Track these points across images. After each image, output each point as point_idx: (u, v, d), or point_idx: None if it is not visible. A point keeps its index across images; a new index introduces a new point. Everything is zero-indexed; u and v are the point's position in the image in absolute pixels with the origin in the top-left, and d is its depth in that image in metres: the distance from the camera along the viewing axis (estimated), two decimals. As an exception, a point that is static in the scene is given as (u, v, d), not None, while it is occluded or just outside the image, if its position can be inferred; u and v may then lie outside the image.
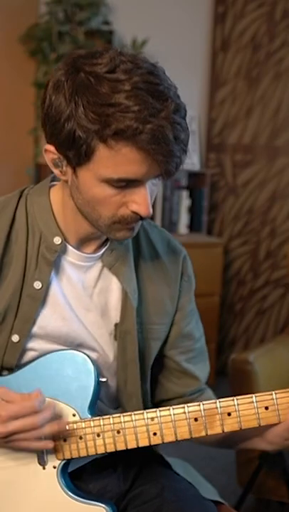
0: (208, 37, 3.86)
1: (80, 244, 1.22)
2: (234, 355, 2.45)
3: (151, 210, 1.10)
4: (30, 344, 1.21)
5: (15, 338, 1.19)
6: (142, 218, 1.11)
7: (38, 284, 1.18)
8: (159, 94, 1.03)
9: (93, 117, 1.02)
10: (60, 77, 1.07)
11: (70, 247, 1.21)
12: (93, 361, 1.20)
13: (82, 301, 1.23)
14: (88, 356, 1.20)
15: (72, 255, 1.21)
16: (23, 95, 3.53)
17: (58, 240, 1.19)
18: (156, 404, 1.34)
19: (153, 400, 1.34)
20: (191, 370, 1.32)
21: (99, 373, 1.20)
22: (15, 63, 3.50)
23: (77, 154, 1.06)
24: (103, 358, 1.25)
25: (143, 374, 1.26)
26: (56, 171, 1.14)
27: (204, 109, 3.89)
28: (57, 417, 1.15)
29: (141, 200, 1.09)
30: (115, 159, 1.04)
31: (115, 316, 1.24)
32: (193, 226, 3.75)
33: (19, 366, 1.21)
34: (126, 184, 1.07)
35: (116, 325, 1.24)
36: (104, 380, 1.22)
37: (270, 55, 3.78)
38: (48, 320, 1.20)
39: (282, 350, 2.60)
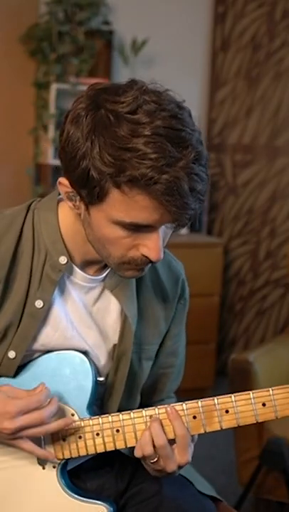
0: (208, 37, 3.86)
1: (85, 265, 1.21)
2: (234, 355, 2.45)
3: (162, 255, 1.07)
4: (29, 355, 1.21)
5: (11, 354, 1.18)
6: (151, 262, 1.09)
7: (39, 303, 1.17)
8: (179, 140, 0.99)
9: (109, 160, 0.99)
10: (80, 112, 1.03)
11: (75, 268, 1.20)
12: (90, 361, 1.20)
13: (83, 319, 1.22)
14: (86, 356, 1.20)
15: (76, 275, 1.20)
16: (23, 95, 3.53)
17: (63, 260, 1.17)
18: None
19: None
20: (162, 385, 1.35)
21: (97, 373, 1.21)
22: (15, 63, 3.50)
23: (90, 194, 1.04)
24: (100, 372, 1.26)
25: (129, 395, 1.27)
26: (70, 204, 1.11)
27: (204, 109, 3.89)
28: (60, 413, 1.16)
29: (152, 245, 1.06)
30: (128, 204, 1.02)
31: (113, 336, 1.24)
32: (193, 226, 3.75)
33: (17, 367, 1.21)
34: (138, 228, 1.05)
35: (114, 346, 1.24)
36: (102, 379, 1.22)
37: (270, 55, 3.78)
38: (49, 338, 1.20)
39: (282, 350, 2.60)
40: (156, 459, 1.13)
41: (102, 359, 1.24)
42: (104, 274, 1.22)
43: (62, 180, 1.09)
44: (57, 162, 3.46)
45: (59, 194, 1.21)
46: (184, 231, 3.70)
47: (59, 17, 3.41)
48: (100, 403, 1.26)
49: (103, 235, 1.08)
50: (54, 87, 3.41)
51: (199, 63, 3.87)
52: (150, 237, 1.06)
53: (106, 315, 1.24)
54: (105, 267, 1.22)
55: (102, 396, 1.26)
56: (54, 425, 1.11)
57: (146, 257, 1.07)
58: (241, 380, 2.32)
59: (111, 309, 1.24)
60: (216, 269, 3.57)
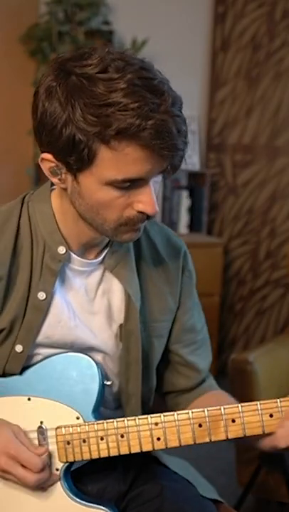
0: (208, 37, 3.86)
1: (83, 250, 1.21)
2: (234, 355, 2.45)
3: (157, 208, 1.09)
4: (36, 351, 1.21)
5: (18, 348, 1.18)
6: (148, 218, 1.10)
7: (42, 295, 1.17)
8: (155, 88, 1.02)
9: (92, 119, 1.00)
10: (50, 83, 1.05)
11: (73, 255, 1.20)
12: (98, 364, 1.19)
13: (86, 306, 1.22)
14: (93, 359, 1.19)
15: (75, 262, 1.21)
16: (23, 95, 3.52)
17: (62, 250, 1.17)
18: (164, 394, 1.35)
19: (160, 392, 1.35)
20: (195, 363, 1.33)
21: (104, 376, 1.20)
22: (15, 63, 3.50)
23: (78, 159, 1.04)
24: (110, 359, 1.25)
25: (146, 374, 1.26)
26: (54, 180, 1.12)
27: (204, 109, 3.89)
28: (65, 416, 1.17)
29: (147, 200, 1.07)
30: (118, 160, 1.03)
31: (119, 317, 1.24)
32: (193, 226, 3.75)
33: (24, 368, 1.20)
34: (130, 184, 1.06)
35: (120, 326, 1.24)
36: (109, 383, 1.21)
37: (270, 55, 3.78)
38: (53, 330, 1.20)
39: (282, 350, 2.60)
40: None
41: (109, 343, 1.23)
42: (103, 256, 1.22)
43: (45, 155, 1.10)
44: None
45: (51, 185, 1.22)
46: (184, 231, 3.71)
47: (59, 17, 3.41)
48: (118, 400, 1.26)
49: (96, 200, 1.08)
50: (54, 87, 3.40)
51: (199, 63, 3.87)
52: (143, 192, 1.07)
53: (111, 296, 1.24)
54: (103, 249, 1.22)
55: (119, 382, 1.25)
56: (33, 485, 1.14)
57: (142, 213, 1.08)
58: (241, 380, 2.32)
59: (115, 289, 1.24)
60: (216, 269, 3.57)
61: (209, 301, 3.52)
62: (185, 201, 3.71)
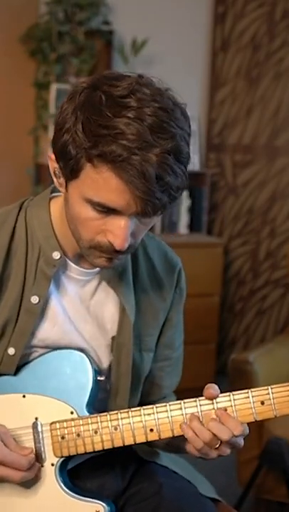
0: (208, 37, 3.86)
1: (79, 258, 1.21)
2: (234, 355, 2.45)
3: (126, 245, 1.07)
4: (30, 351, 1.22)
5: (11, 351, 1.19)
6: (116, 251, 1.09)
7: (35, 299, 1.18)
8: (161, 131, 1.00)
9: (87, 135, 1.00)
10: (78, 89, 1.05)
11: (69, 262, 1.21)
12: (90, 360, 1.20)
13: (80, 313, 1.23)
14: (86, 355, 1.20)
15: (71, 270, 1.22)
16: (23, 95, 3.53)
17: (57, 255, 1.18)
18: None
19: None
20: (160, 379, 1.34)
21: (97, 372, 1.21)
22: (15, 63, 3.51)
23: (66, 168, 1.06)
24: (99, 367, 1.26)
25: (134, 387, 1.27)
26: (55, 181, 1.13)
27: (204, 109, 3.89)
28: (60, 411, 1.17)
29: (117, 232, 1.06)
30: (98, 182, 1.02)
31: (111, 328, 1.25)
32: (194, 226, 3.75)
33: (18, 366, 1.21)
34: (107, 211, 1.05)
35: (113, 338, 1.24)
36: (102, 378, 1.22)
37: (270, 55, 3.78)
38: (48, 333, 1.21)
39: (282, 350, 2.60)
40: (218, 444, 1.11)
41: (100, 352, 1.25)
42: (99, 268, 1.22)
43: (51, 154, 1.10)
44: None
45: (51, 192, 1.23)
46: (184, 231, 3.71)
47: (59, 17, 3.41)
48: (105, 403, 1.26)
49: (76, 213, 1.09)
50: (54, 87, 3.41)
51: (199, 63, 3.87)
52: (117, 224, 1.06)
53: (104, 307, 1.25)
54: None
55: (108, 395, 1.26)
56: (18, 481, 1.16)
57: (112, 244, 1.07)
58: (241, 380, 2.32)
59: (109, 301, 1.25)
60: (216, 269, 3.57)
61: (209, 301, 3.52)
62: (185, 201, 3.71)
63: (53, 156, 1.10)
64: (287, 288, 3.85)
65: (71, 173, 1.05)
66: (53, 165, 1.11)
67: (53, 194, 1.24)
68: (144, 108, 1.00)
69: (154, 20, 3.72)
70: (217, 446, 1.10)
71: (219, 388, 1.13)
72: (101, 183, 1.02)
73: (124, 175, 1.00)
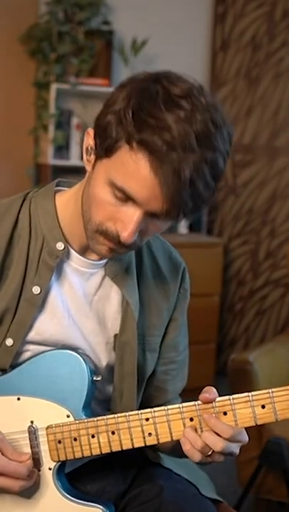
0: (208, 37, 3.86)
1: (85, 250, 1.20)
2: (234, 355, 2.45)
3: (131, 238, 1.06)
4: (25, 348, 1.20)
5: (9, 341, 1.18)
6: (120, 243, 1.08)
7: (36, 289, 1.17)
8: (205, 140, 1.01)
9: (134, 120, 1.00)
10: (139, 76, 1.06)
11: (73, 253, 1.20)
12: (86, 360, 1.19)
13: (82, 308, 1.22)
14: (81, 355, 1.19)
15: (75, 261, 1.20)
16: (23, 95, 3.53)
17: (60, 246, 1.17)
18: None
19: None
20: (165, 383, 1.32)
21: (93, 372, 1.19)
22: (15, 63, 3.51)
23: (102, 145, 1.05)
24: (97, 366, 1.24)
25: (139, 388, 1.26)
26: (84, 157, 1.13)
27: (204, 109, 3.89)
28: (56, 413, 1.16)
29: (127, 223, 1.05)
30: (128, 167, 1.02)
31: (112, 325, 1.24)
32: (193, 226, 3.75)
33: (13, 366, 1.20)
34: (125, 199, 1.05)
35: (115, 336, 1.23)
36: (98, 379, 1.20)
37: (270, 55, 3.78)
38: (46, 326, 1.20)
39: (282, 350, 2.60)
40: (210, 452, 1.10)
41: (98, 350, 1.23)
42: (106, 260, 1.21)
43: (90, 130, 1.10)
44: (56, 162, 3.47)
45: (56, 185, 1.23)
46: (183, 231, 3.70)
47: (59, 17, 3.41)
48: (108, 405, 1.25)
49: (94, 193, 1.08)
50: (54, 87, 3.41)
51: (199, 63, 3.87)
52: (130, 215, 1.05)
53: (106, 304, 1.23)
54: None
55: (112, 396, 1.25)
56: (17, 490, 1.14)
57: (118, 234, 1.07)
58: (241, 380, 2.32)
59: (112, 298, 1.23)
60: (216, 269, 3.57)
61: (209, 301, 3.52)
62: (185, 201, 3.70)
63: (91, 132, 1.09)
64: (287, 288, 3.85)
65: (106, 151, 1.05)
66: (88, 141, 1.11)
67: (58, 187, 1.24)
68: (196, 114, 1.00)
69: (154, 20, 3.72)
70: (209, 453, 1.09)
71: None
72: (131, 168, 1.02)
73: (159, 169, 1.00)
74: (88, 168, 1.12)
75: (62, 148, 3.50)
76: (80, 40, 3.41)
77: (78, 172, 3.71)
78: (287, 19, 3.73)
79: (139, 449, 1.15)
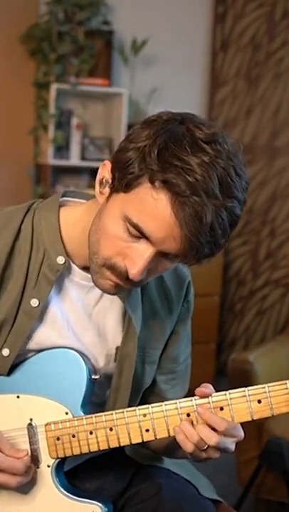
0: (208, 37, 3.86)
1: (86, 266, 1.19)
2: (234, 355, 2.45)
3: (139, 276, 1.05)
4: (23, 355, 1.21)
5: (5, 352, 1.18)
6: (128, 280, 1.07)
7: (34, 302, 1.17)
8: (226, 187, 1.02)
9: (159, 159, 1.01)
10: (163, 116, 1.06)
11: (75, 267, 1.19)
12: (85, 359, 1.19)
13: (81, 320, 1.22)
14: (80, 354, 1.19)
15: (76, 275, 1.20)
16: (23, 95, 3.53)
17: (61, 260, 1.16)
18: None
19: None
20: (166, 393, 1.33)
21: (91, 371, 1.20)
22: (15, 63, 3.51)
23: (122, 180, 1.05)
24: (94, 367, 1.25)
25: (133, 400, 1.26)
26: (97, 188, 1.12)
27: (204, 109, 3.89)
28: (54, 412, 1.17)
29: (137, 257, 1.05)
30: (147, 205, 1.02)
31: (113, 337, 1.23)
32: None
33: (11, 367, 1.20)
34: (138, 236, 1.05)
35: (117, 348, 1.23)
36: (97, 377, 1.21)
37: (270, 55, 3.78)
38: (45, 337, 1.20)
39: (282, 350, 2.60)
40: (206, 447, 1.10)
41: (99, 359, 1.24)
42: None
43: (107, 162, 1.10)
44: (57, 162, 3.47)
45: (61, 197, 1.22)
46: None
47: (59, 17, 3.41)
48: (103, 408, 1.26)
49: (105, 226, 1.07)
50: (54, 87, 3.41)
51: (199, 63, 3.87)
52: (141, 252, 1.05)
53: (107, 316, 1.23)
54: None
55: (106, 404, 1.25)
56: (14, 486, 1.15)
57: (126, 271, 1.06)
58: (241, 380, 2.32)
59: (112, 310, 1.23)
60: (216, 269, 3.57)
61: (209, 301, 3.52)
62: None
63: (108, 165, 1.09)
64: (287, 288, 3.85)
65: (125, 186, 1.04)
66: (103, 173, 1.10)
67: (64, 198, 1.23)
68: (219, 160, 1.02)
69: (154, 20, 3.72)
70: (205, 448, 1.10)
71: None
72: (150, 206, 1.02)
73: (181, 211, 1.00)
74: (100, 200, 1.11)
75: (62, 149, 3.50)
76: (80, 40, 3.41)
77: (78, 172, 3.72)
78: (287, 19, 3.74)
79: (138, 451, 1.16)
